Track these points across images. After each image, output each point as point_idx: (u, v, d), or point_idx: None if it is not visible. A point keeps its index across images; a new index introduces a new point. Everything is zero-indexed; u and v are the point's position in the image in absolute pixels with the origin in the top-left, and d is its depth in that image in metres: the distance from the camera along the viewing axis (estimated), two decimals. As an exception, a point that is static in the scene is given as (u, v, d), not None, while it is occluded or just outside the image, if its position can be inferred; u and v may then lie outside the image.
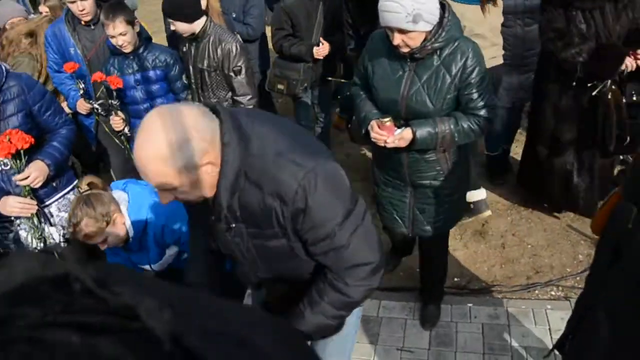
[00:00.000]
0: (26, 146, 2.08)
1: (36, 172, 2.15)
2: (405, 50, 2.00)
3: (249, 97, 2.89)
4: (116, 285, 0.35)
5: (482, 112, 2.07)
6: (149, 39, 3.09)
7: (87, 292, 0.35)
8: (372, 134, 2.13)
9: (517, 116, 3.58)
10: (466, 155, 2.34)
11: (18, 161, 2.10)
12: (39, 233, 2.29)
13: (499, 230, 3.34)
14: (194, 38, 2.87)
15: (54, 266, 0.37)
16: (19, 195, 2.20)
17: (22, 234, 2.34)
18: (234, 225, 1.35)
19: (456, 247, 3.21)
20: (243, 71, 2.82)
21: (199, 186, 1.23)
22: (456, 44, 2.02)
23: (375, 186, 2.50)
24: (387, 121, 2.07)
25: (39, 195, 2.29)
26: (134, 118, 3.01)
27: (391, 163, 2.31)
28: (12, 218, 2.29)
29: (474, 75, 2.03)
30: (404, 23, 1.87)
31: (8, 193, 2.21)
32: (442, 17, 1.96)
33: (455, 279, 2.98)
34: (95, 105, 3.07)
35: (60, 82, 3.22)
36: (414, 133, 2.06)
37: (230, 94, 2.94)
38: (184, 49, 2.96)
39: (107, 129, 3.16)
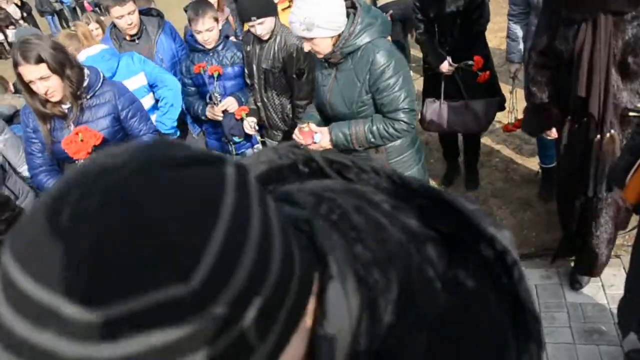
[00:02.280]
0: (98, 142, 2.23)
1: None
2: (319, 55, 2.13)
3: (306, 101, 2.82)
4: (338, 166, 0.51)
5: (396, 115, 2.09)
6: (227, 36, 3.16)
7: (314, 173, 0.51)
8: (294, 137, 2.31)
9: None
10: (411, 158, 2.30)
11: None
12: None
13: (543, 197, 3.41)
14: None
15: (288, 155, 0.52)
16: None
17: None
18: None
19: (502, 217, 3.32)
20: (305, 74, 2.78)
21: None
22: (365, 48, 2.05)
23: None
24: (305, 127, 2.25)
25: None
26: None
27: None
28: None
29: (382, 79, 2.04)
30: (300, 31, 2.03)
31: None
32: (353, 21, 2.02)
33: (505, 246, 3.08)
34: None
35: None
36: (330, 133, 2.21)
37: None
38: (248, 48, 2.91)
39: None
